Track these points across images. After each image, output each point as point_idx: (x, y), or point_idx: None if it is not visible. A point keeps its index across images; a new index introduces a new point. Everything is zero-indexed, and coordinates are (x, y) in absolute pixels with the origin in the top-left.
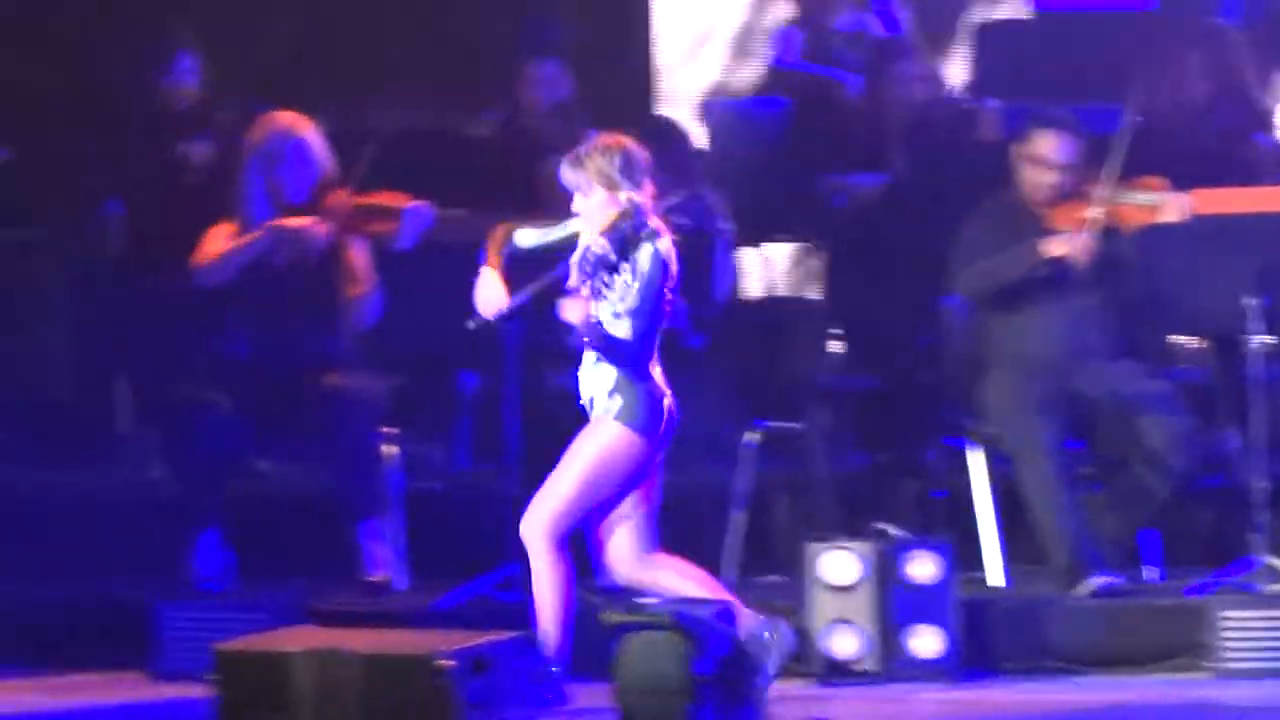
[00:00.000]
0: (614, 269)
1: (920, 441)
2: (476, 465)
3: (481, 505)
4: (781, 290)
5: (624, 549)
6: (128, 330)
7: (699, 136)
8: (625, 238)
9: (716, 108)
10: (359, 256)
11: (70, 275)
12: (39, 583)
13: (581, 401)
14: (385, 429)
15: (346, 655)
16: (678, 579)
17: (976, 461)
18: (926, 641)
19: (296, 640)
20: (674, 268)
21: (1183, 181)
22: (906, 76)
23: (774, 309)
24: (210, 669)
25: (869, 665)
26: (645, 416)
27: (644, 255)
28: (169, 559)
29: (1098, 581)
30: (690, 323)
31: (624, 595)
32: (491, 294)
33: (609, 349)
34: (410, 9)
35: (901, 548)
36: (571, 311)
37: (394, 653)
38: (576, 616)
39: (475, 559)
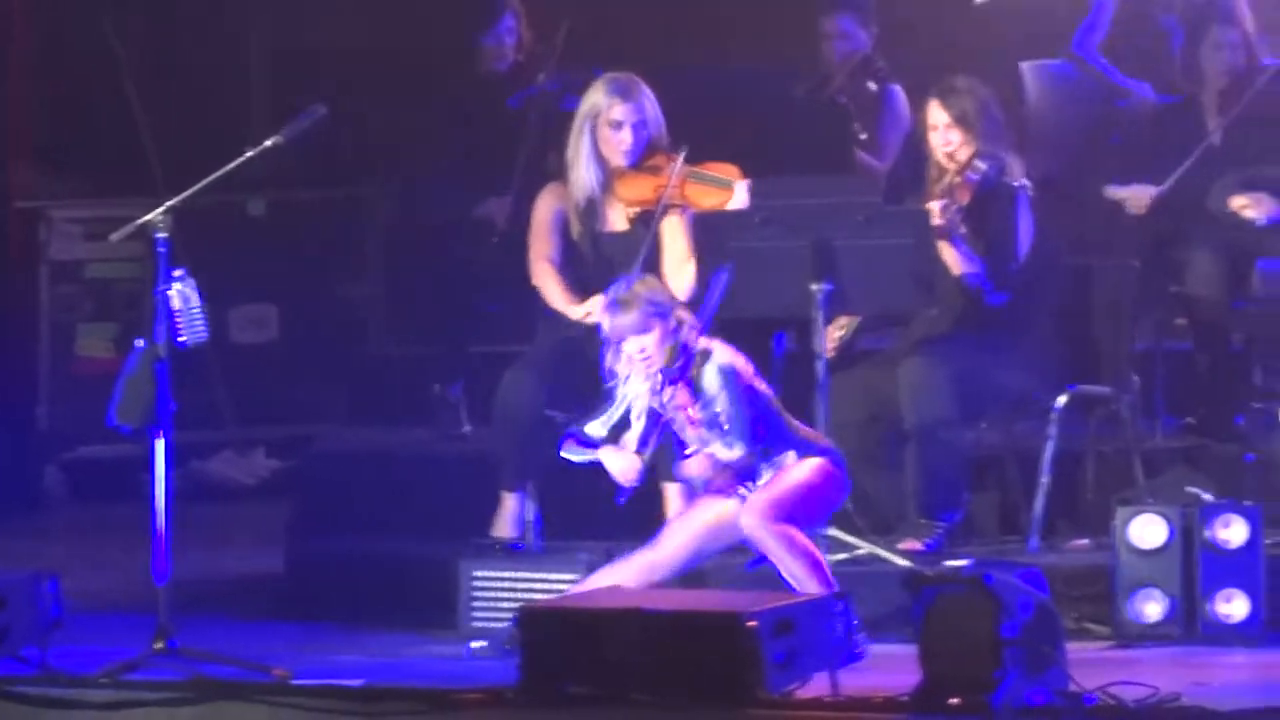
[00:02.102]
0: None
1: (1231, 405)
2: None
3: None
4: (1094, 253)
5: None
6: (443, 290)
7: (1010, 98)
8: (677, 371)
9: (1033, 69)
10: (685, 226)
11: (388, 234)
12: (350, 541)
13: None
14: None
15: (652, 615)
16: None
17: None
18: (1233, 605)
19: (602, 600)
20: (741, 363)
21: None
22: (1226, 42)
23: (1086, 272)
24: (517, 628)
25: (1174, 629)
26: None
27: (708, 379)
28: (477, 518)
29: None
30: (992, 281)
31: (930, 558)
32: (623, 464)
33: (747, 472)
34: None
35: (1209, 511)
36: (693, 471)
37: (700, 612)
38: (879, 576)
39: None
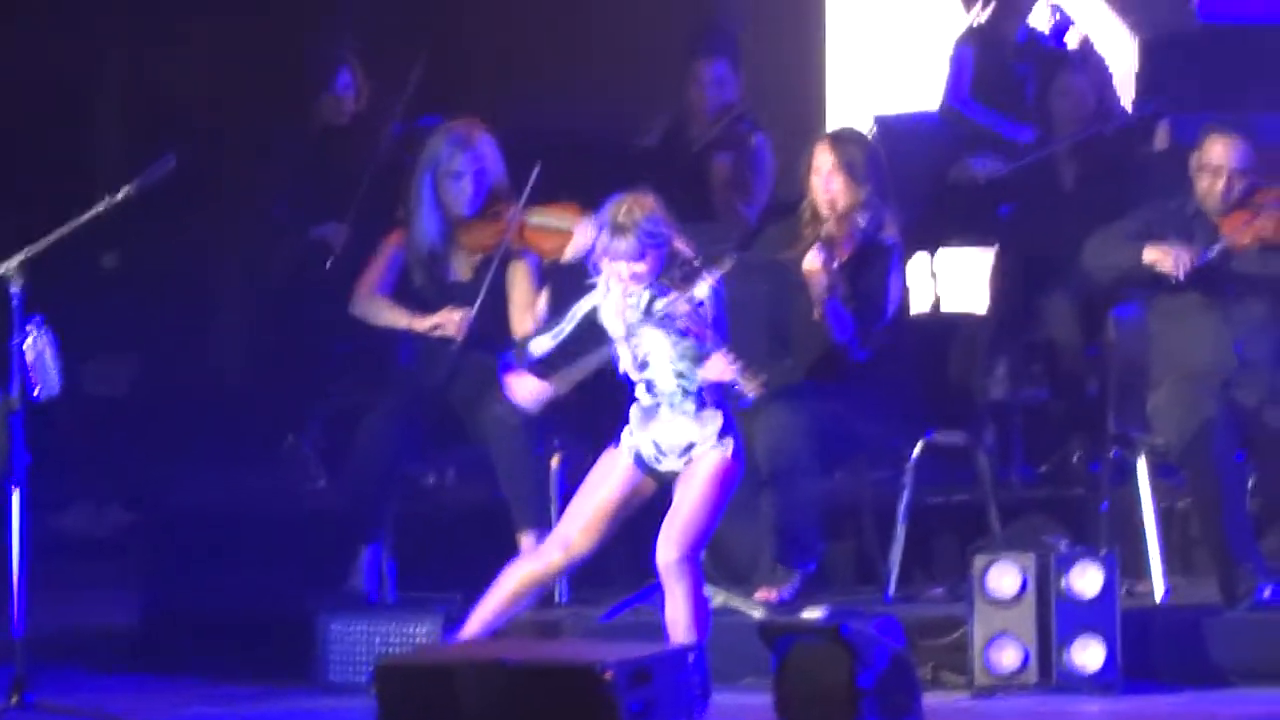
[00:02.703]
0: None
1: (1085, 453)
2: None
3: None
4: (950, 302)
5: None
6: (296, 337)
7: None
8: (676, 281)
9: (888, 120)
10: (529, 271)
11: (242, 279)
12: (205, 593)
13: (655, 454)
14: (552, 441)
15: (509, 667)
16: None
17: (1142, 473)
18: (1089, 654)
19: (459, 652)
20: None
21: None
22: (1073, 88)
23: (942, 321)
24: (373, 681)
25: (1030, 678)
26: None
27: (701, 290)
28: (333, 570)
29: (1263, 593)
30: (858, 338)
31: (786, 607)
32: (528, 387)
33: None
34: (578, 11)
35: (1064, 559)
36: (718, 370)
37: (557, 663)
38: (734, 626)
39: (636, 572)
